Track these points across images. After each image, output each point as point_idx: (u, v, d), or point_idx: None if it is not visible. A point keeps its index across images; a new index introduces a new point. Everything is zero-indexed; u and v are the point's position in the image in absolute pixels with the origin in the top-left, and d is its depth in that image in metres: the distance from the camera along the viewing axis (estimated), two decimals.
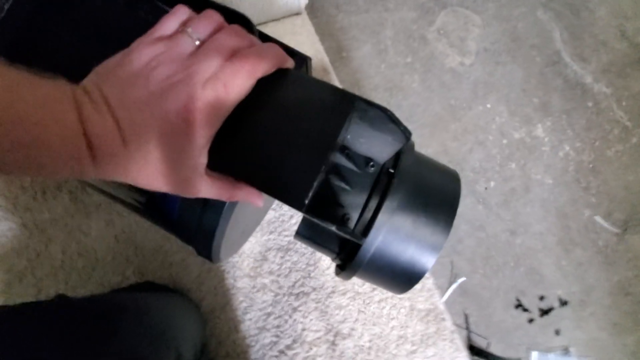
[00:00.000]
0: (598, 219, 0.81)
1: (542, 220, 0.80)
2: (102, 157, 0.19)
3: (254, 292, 0.65)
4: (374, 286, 0.69)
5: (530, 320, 0.76)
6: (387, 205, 0.24)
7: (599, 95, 0.87)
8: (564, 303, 0.77)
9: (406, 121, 0.81)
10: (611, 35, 0.90)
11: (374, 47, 0.84)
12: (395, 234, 0.25)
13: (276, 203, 0.62)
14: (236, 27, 0.23)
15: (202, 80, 0.19)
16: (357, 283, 0.70)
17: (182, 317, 0.51)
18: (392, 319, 0.70)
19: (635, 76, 0.89)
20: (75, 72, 0.21)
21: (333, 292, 0.71)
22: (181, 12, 0.22)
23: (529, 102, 0.85)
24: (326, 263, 0.72)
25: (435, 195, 0.26)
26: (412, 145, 0.28)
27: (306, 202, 0.21)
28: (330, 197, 0.24)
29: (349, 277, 0.28)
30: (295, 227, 0.45)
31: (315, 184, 0.21)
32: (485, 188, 0.80)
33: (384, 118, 0.23)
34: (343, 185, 0.24)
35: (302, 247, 0.69)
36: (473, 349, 0.75)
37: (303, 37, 0.72)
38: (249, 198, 0.24)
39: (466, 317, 0.76)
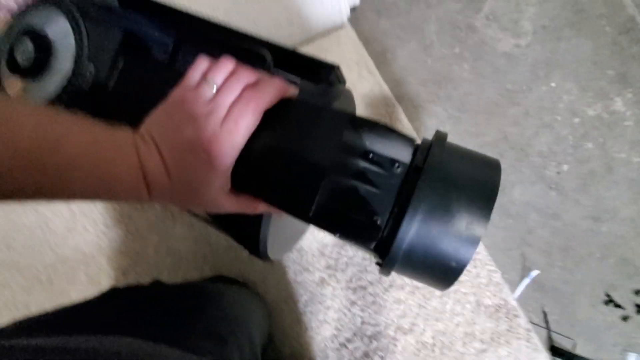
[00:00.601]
0: None
1: (632, 204, 0.69)
2: (154, 187, 0.24)
3: (314, 286, 0.68)
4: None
5: (625, 318, 0.65)
6: (415, 202, 0.24)
7: None
8: None
9: (458, 110, 0.78)
10: None
11: (419, 44, 0.83)
12: (427, 228, 0.24)
13: None
14: (244, 69, 0.27)
15: (219, 119, 0.24)
16: None
17: (251, 305, 0.56)
18: (457, 314, 0.66)
19: None
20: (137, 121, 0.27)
21: (391, 285, 0.70)
22: (201, 64, 0.27)
23: (602, 75, 0.75)
24: None
25: (471, 185, 0.25)
26: (444, 137, 0.27)
27: (310, 214, 0.24)
28: (360, 203, 0.25)
29: (386, 273, 0.28)
30: None
31: (317, 197, 0.23)
32: (558, 172, 0.73)
33: (384, 128, 0.25)
34: (370, 188, 0.25)
35: None
36: (555, 350, 0.66)
37: (348, 47, 0.75)
38: (270, 210, 0.29)
39: (545, 315, 0.68)
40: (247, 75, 0.27)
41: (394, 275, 0.68)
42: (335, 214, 0.25)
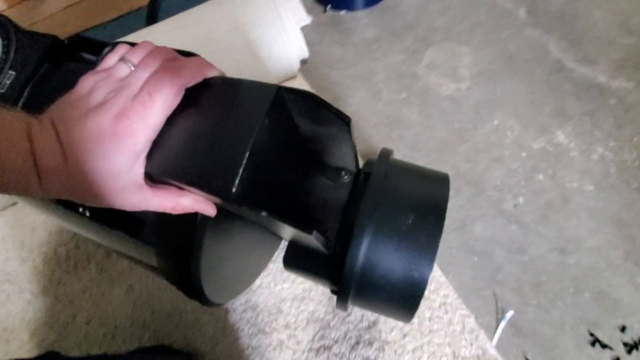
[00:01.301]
0: None
1: (596, 233, 0.66)
2: (46, 174, 0.20)
3: (271, 351, 0.58)
4: (403, 333, 0.58)
5: None
6: (365, 209, 0.23)
7: (620, 91, 0.77)
8: None
9: (411, 150, 0.77)
10: (615, 33, 0.84)
11: (369, 91, 0.85)
12: (380, 240, 0.23)
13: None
14: (164, 48, 0.25)
15: (131, 94, 0.21)
16: (383, 330, 0.60)
17: None
18: None
19: None
20: None
21: (357, 343, 0.61)
22: (120, 48, 0.25)
23: (540, 112, 0.78)
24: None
25: (420, 195, 0.24)
26: (388, 153, 0.27)
27: (233, 189, 0.19)
28: (311, 214, 0.23)
29: (344, 300, 0.25)
30: None
31: (241, 170, 0.20)
32: (515, 205, 0.70)
33: (314, 103, 0.23)
34: (317, 198, 0.24)
35: (318, 294, 0.61)
36: None
37: None
38: (196, 206, 0.23)
39: None
40: (167, 52, 0.24)
41: (360, 329, 0.59)
42: (266, 192, 0.22)
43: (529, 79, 0.81)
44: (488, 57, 0.85)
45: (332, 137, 0.25)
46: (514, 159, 0.74)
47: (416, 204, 0.24)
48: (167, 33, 0.75)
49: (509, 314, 0.61)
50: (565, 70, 0.81)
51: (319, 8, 0.98)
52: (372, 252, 0.23)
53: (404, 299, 0.24)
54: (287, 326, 0.59)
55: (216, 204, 0.23)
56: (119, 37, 1.07)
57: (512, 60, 0.84)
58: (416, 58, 0.87)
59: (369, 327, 0.60)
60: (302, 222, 0.22)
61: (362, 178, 0.25)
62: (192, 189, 0.21)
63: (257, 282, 0.63)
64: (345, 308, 0.26)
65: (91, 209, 0.28)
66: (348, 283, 0.23)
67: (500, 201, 0.70)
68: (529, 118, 0.77)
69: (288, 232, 0.24)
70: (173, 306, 0.60)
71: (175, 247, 0.26)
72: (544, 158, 0.73)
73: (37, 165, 0.20)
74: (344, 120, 0.23)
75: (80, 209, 0.28)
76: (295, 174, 0.24)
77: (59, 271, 0.65)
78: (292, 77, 0.78)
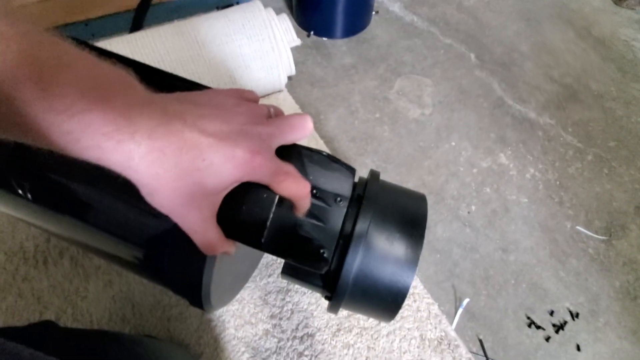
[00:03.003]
0: (580, 228, 0.81)
1: (529, 236, 0.80)
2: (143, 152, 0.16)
3: (257, 340, 0.60)
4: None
5: (547, 338, 0.70)
6: (359, 228, 0.25)
7: (546, 125, 0.96)
8: (575, 315, 0.72)
9: (384, 162, 0.87)
10: (541, 81, 1.04)
11: (347, 109, 0.95)
12: (371, 254, 0.25)
13: None
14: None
15: (273, 146, 0.20)
16: (361, 318, 0.66)
17: (179, 357, 0.47)
18: (405, 352, 0.64)
19: (572, 108, 0.99)
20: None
21: (338, 330, 0.66)
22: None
23: (487, 137, 0.93)
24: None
25: (404, 214, 0.27)
26: (377, 175, 0.30)
27: (262, 240, 0.23)
28: (307, 237, 0.25)
29: (336, 306, 0.27)
30: None
31: (268, 224, 0.23)
32: (468, 212, 0.82)
33: (327, 160, 0.26)
34: (316, 222, 0.25)
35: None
36: None
37: (286, 108, 0.83)
38: (227, 248, 0.23)
39: (481, 343, 0.69)
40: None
41: (341, 317, 0.65)
42: (286, 244, 0.24)
43: (478, 110, 0.97)
44: (446, 89, 1.00)
45: (334, 176, 0.27)
46: (467, 174, 0.87)
47: (401, 222, 0.26)
48: (165, 37, 0.78)
49: (465, 301, 0.71)
50: (505, 106, 0.98)
51: (303, 32, 1.08)
52: (364, 265, 0.25)
53: (389, 303, 0.26)
54: (272, 316, 0.63)
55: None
56: (102, 38, 1.04)
57: (465, 94, 1.00)
58: (388, 85, 1.00)
59: (348, 316, 0.66)
60: (313, 261, 0.24)
61: (356, 199, 0.27)
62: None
63: None
64: (336, 312, 0.29)
65: (71, 207, 0.26)
66: (342, 292, 0.26)
67: (456, 208, 0.82)
68: (478, 141, 0.92)
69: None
70: (156, 300, 0.58)
71: (184, 262, 0.26)
72: (490, 175, 0.87)
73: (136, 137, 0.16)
74: (349, 170, 0.26)
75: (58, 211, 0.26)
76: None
77: (25, 267, 0.60)
78: (280, 90, 0.85)
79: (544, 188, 0.86)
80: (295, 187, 0.21)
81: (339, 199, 0.26)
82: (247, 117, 0.20)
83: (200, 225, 0.20)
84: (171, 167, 0.17)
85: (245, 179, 0.19)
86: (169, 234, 0.25)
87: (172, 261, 0.26)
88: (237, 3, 1.09)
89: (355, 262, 0.25)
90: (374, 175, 0.29)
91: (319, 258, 0.24)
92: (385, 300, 0.26)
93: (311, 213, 0.25)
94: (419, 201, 0.29)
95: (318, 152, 0.25)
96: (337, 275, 0.25)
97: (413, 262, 0.25)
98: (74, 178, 0.26)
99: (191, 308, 0.61)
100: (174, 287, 0.29)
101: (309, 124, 0.22)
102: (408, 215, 0.27)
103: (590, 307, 0.73)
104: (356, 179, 0.28)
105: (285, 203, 0.23)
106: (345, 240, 0.25)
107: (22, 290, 0.59)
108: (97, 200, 0.26)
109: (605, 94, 1.01)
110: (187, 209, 0.19)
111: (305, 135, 0.23)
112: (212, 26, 0.81)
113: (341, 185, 0.26)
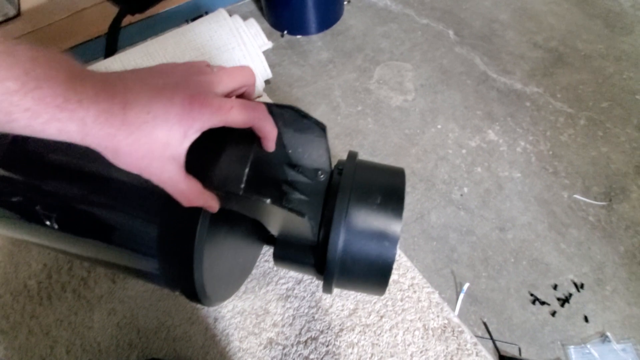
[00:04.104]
0: (578, 197, 0.79)
1: (525, 211, 0.78)
2: (97, 116, 0.18)
3: (262, 350, 0.61)
4: (380, 315, 0.65)
5: (553, 313, 0.68)
6: (340, 199, 0.26)
7: (533, 95, 0.93)
8: (580, 286, 0.70)
9: (371, 155, 0.85)
10: (525, 48, 1.00)
11: (328, 106, 0.93)
12: (355, 225, 0.26)
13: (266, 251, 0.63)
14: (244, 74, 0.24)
15: (211, 88, 0.21)
16: (362, 315, 0.66)
17: None
18: (409, 344, 0.64)
19: (559, 72, 0.96)
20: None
21: (341, 330, 0.66)
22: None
23: (474, 115, 0.91)
24: (328, 302, 0.70)
25: (383, 182, 0.28)
26: (355, 154, 0.31)
27: (242, 186, 0.23)
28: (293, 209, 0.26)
29: (329, 282, 0.28)
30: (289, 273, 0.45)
31: (246, 171, 0.24)
32: (461, 195, 0.80)
33: (297, 115, 0.26)
34: (300, 196, 0.27)
35: (301, 291, 0.66)
36: (504, 359, 0.66)
37: None
38: (209, 203, 0.24)
39: (485, 325, 0.68)
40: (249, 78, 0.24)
41: (342, 318, 0.64)
42: (266, 187, 0.25)
43: (462, 88, 0.94)
44: (427, 72, 0.97)
45: (310, 143, 0.29)
46: (456, 156, 0.85)
47: (382, 187, 0.28)
48: (134, 61, 0.78)
49: (466, 286, 0.70)
50: (490, 80, 0.95)
51: (277, 33, 1.06)
52: (350, 232, 0.26)
53: (379, 267, 0.27)
54: (274, 324, 0.63)
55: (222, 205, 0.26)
56: None
57: (447, 74, 0.97)
58: (367, 75, 0.97)
59: (349, 315, 0.65)
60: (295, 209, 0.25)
61: (336, 174, 0.28)
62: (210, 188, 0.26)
63: (242, 288, 0.65)
64: (330, 290, 0.29)
65: (60, 219, 0.27)
66: (333, 262, 0.26)
67: (448, 192, 0.80)
68: (465, 121, 0.90)
69: (279, 222, 0.27)
70: (160, 322, 0.60)
71: (177, 249, 0.27)
72: (480, 153, 0.85)
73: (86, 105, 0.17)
74: (320, 127, 0.27)
75: (48, 222, 0.28)
76: (282, 175, 0.28)
77: (31, 304, 0.62)
78: (258, 96, 0.84)
79: (536, 160, 0.83)
80: (245, 113, 0.21)
81: (320, 172, 0.27)
82: (185, 69, 0.21)
83: (169, 177, 0.21)
84: (120, 124, 0.18)
85: (196, 125, 0.20)
86: (157, 216, 0.26)
87: (163, 245, 0.27)
88: (207, 13, 1.07)
89: (341, 229, 0.26)
90: (352, 154, 0.31)
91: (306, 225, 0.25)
92: (375, 265, 0.27)
93: (295, 187, 0.26)
94: (396, 171, 0.31)
95: (289, 108, 0.26)
96: (326, 248, 0.26)
97: (397, 219, 0.26)
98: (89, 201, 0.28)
99: (195, 326, 0.62)
100: (169, 276, 0.30)
101: (247, 70, 0.23)
102: (387, 183, 0.28)
103: (596, 276, 0.71)
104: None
105: (260, 152, 0.24)
106: (329, 213, 0.26)
107: (32, 328, 0.61)
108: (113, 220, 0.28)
109: (593, 53, 0.97)
110: (149, 162, 0.20)
111: (248, 81, 0.24)
112: (179, 42, 0.80)
113: (318, 154, 0.27)
